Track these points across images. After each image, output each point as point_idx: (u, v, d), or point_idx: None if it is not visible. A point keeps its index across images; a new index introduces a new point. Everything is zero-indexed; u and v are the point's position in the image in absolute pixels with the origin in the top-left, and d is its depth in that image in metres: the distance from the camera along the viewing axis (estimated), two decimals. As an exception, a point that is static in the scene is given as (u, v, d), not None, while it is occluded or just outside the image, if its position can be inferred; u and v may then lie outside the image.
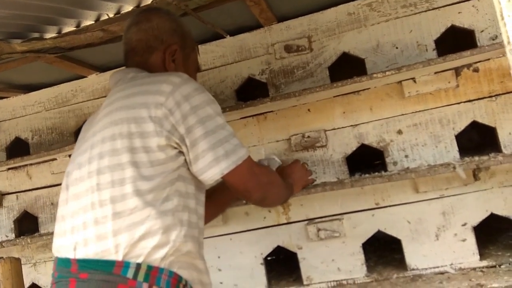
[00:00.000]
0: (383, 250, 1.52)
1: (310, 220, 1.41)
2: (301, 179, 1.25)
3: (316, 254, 1.39)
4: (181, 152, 0.90)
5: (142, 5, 1.27)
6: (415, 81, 1.32)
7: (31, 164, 1.68)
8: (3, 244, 1.53)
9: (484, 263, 1.26)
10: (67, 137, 1.66)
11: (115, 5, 1.26)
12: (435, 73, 1.30)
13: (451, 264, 1.29)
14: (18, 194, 1.70)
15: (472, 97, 1.30)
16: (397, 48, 1.37)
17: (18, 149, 1.71)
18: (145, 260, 0.84)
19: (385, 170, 1.35)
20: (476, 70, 1.30)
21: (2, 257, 1.19)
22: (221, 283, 1.47)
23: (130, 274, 0.84)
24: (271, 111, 1.46)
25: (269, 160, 1.31)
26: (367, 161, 1.51)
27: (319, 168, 1.41)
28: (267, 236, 1.44)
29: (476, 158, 1.21)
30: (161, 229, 0.85)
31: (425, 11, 1.35)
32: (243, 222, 1.46)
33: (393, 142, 1.36)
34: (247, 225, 1.46)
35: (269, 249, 1.44)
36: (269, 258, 1.53)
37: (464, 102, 1.31)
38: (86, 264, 0.86)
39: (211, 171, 0.89)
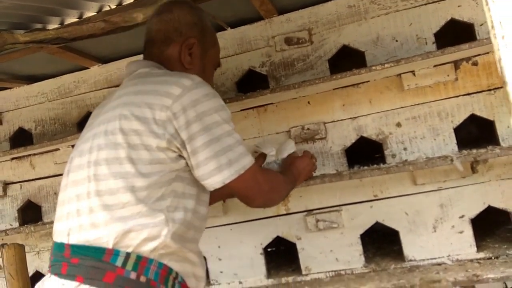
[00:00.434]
0: (381, 242, 1.53)
1: (309, 211, 1.42)
2: (307, 172, 1.29)
3: (315, 245, 1.41)
4: (181, 156, 0.91)
5: (143, -4, 1.28)
6: (414, 74, 1.33)
7: (34, 154, 1.70)
8: (7, 232, 1.55)
9: (481, 255, 1.28)
10: (69, 127, 1.68)
11: (117, -4, 1.27)
12: (434, 66, 1.31)
13: (448, 255, 1.30)
14: (22, 183, 1.72)
15: (471, 91, 1.31)
16: (396, 41, 1.37)
17: (22, 139, 1.73)
18: (134, 250, 0.86)
19: (384, 163, 1.36)
20: (475, 64, 1.30)
21: (6, 244, 1.22)
22: (221, 272, 1.49)
23: (119, 262, 0.86)
24: (271, 103, 1.47)
25: (282, 149, 1.32)
26: (366, 154, 1.52)
27: (319, 160, 1.42)
28: (267, 227, 1.45)
29: (474, 151, 1.22)
30: (151, 225, 0.87)
31: (425, 4, 1.35)
32: (243, 212, 1.48)
33: (392, 134, 1.37)
34: (247, 216, 1.48)
35: (268, 240, 1.46)
36: (269, 250, 1.55)
37: (463, 95, 1.32)
38: (78, 250, 0.88)
39: (213, 179, 0.91)
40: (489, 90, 1.30)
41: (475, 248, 1.29)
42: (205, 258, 1.50)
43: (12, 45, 1.35)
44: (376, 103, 1.39)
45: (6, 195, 1.73)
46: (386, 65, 1.20)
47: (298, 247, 1.43)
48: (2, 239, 1.69)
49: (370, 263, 1.37)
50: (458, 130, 1.33)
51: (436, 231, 1.32)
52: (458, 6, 1.33)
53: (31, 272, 1.64)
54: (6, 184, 1.73)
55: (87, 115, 1.66)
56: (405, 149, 1.36)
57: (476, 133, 1.44)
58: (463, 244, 1.29)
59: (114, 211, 0.87)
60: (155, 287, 0.86)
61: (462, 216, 1.30)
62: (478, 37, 1.30)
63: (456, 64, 1.31)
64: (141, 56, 1.58)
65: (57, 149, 1.64)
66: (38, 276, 1.66)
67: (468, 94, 1.32)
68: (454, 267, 1.25)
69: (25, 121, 1.73)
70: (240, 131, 1.52)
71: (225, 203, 1.48)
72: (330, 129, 1.42)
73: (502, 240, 1.33)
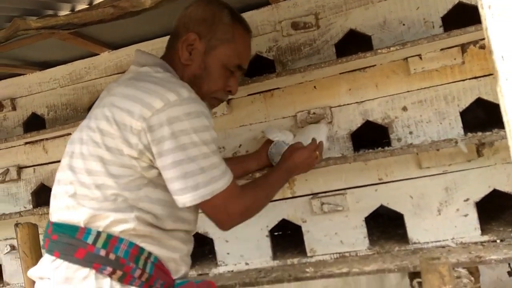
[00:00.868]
0: (386, 226, 1.55)
1: (315, 195, 1.44)
2: (306, 166, 1.22)
3: (320, 227, 1.43)
4: (154, 167, 0.94)
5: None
6: (421, 58, 1.33)
7: (46, 139, 1.75)
8: (21, 213, 1.61)
9: (485, 238, 1.29)
10: (81, 112, 1.72)
11: (125, -18, 1.29)
12: (441, 49, 1.31)
13: (453, 238, 1.31)
14: (35, 167, 1.77)
15: (477, 74, 1.30)
16: (404, 25, 1.37)
17: (35, 124, 1.77)
18: (105, 230, 0.92)
19: (389, 147, 1.37)
20: (482, 47, 1.30)
21: (20, 223, 1.26)
22: (228, 253, 1.52)
23: (90, 240, 0.92)
24: (278, 88, 1.49)
25: (277, 146, 1.34)
26: (372, 138, 1.53)
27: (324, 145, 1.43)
28: (273, 210, 1.48)
29: (479, 133, 1.22)
30: (118, 220, 0.93)
31: (433, -13, 1.35)
32: (249, 196, 1.50)
33: (398, 118, 1.38)
34: (253, 199, 1.50)
35: (274, 222, 1.48)
36: (275, 234, 1.58)
37: (470, 79, 1.31)
38: (57, 228, 0.97)
39: (178, 198, 0.93)
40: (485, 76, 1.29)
41: (480, 231, 1.29)
42: (212, 240, 1.54)
43: (24, 31, 1.38)
44: (383, 87, 1.39)
45: (20, 178, 1.79)
46: (392, 48, 1.21)
47: (304, 229, 1.45)
48: (17, 220, 1.75)
49: (374, 246, 1.39)
50: (464, 114, 1.33)
51: (441, 214, 1.33)
52: (466, -12, 1.32)
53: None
54: (20, 168, 1.79)
55: (98, 101, 1.71)
56: (410, 133, 1.36)
57: (482, 117, 1.44)
58: (468, 227, 1.30)
59: (87, 201, 0.94)
60: (124, 264, 0.91)
61: (467, 200, 1.31)
62: (485, 20, 1.29)
63: (463, 47, 1.31)
64: (150, 42, 1.62)
65: (69, 134, 1.68)
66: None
67: (475, 77, 1.31)
68: (458, 249, 1.27)
69: (38, 107, 1.78)
70: (246, 116, 1.55)
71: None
72: (336, 113, 1.44)
73: (507, 224, 1.33)
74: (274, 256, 1.49)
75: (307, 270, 1.31)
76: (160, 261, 0.96)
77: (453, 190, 1.32)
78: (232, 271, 1.50)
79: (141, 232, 0.94)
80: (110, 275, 0.90)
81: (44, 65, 1.78)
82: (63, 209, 0.97)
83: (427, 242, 1.33)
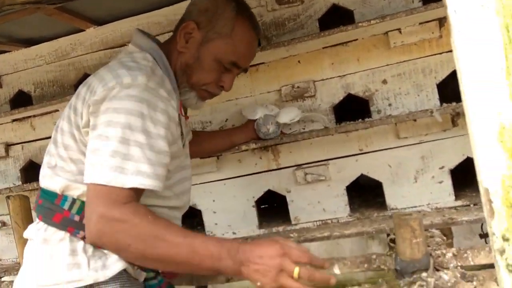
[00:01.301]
0: (367, 195, 1.62)
1: (299, 166, 1.50)
2: (256, 274, 0.83)
3: (304, 197, 1.49)
4: None
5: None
6: (400, 32, 1.37)
7: (34, 116, 1.76)
8: (11, 189, 1.63)
9: (459, 202, 1.37)
10: (67, 89, 1.73)
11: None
12: (420, 23, 1.35)
13: (428, 204, 1.39)
14: (23, 144, 1.79)
15: (453, 47, 1.36)
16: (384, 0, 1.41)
17: (21, 102, 1.78)
18: (79, 198, 0.99)
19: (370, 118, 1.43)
20: (458, 21, 1.35)
21: (11, 195, 1.29)
22: (216, 224, 1.58)
23: (66, 206, 1.00)
24: (263, 63, 1.52)
25: (264, 118, 1.39)
26: (354, 111, 1.58)
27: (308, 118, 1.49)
28: (259, 181, 1.53)
29: (453, 103, 1.29)
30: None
31: (412, -38, 1.38)
32: (236, 168, 1.55)
33: (378, 91, 1.43)
34: (239, 171, 1.55)
35: (260, 193, 1.54)
36: (262, 207, 1.64)
37: (447, 52, 1.37)
38: (42, 193, 1.04)
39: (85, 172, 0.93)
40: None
41: (454, 197, 1.37)
42: (200, 211, 1.60)
43: (10, 6, 1.38)
44: (364, 61, 1.44)
45: (8, 155, 1.80)
46: (372, 22, 1.25)
47: (288, 199, 1.51)
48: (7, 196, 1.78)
49: (355, 213, 1.46)
50: (442, 87, 1.39)
51: (417, 181, 1.40)
52: (444, -36, 1.36)
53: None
54: (8, 146, 1.80)
55: (84, 77, 1.71)
56: (390, 105, 1.42)
57: (459, 90, 1.50)
58: (442, 193, 1.38)
59: (62, 173, 1.01)
60: None
61: (442, 167, 1.38)
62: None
63: (441, 21, 1.36)
64: (136, 18, 1.64)
65: (56, 110, 1.70)
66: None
67: (451, 51, 1.36)
68: (433, 213, 1.34)
69: (24, 84, 1.78)
70: (232, 91, 1.57)
71: (218, 159, 1.55)
72: (319, 87, 1.48)
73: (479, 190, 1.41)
74: (260, 225, 1.55)
75: (291, 235, 1.37)
76: None
77: (429, 159, 1.39)
78: (220, 240, 1.56)
79: None
80: (83, 238, 0.97)
81: (29, 42, 1.77)
82: (46, 177, 1.04)
83: (404, 208, 1.40)
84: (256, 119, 1.41)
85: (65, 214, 0.98)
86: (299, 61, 1.49)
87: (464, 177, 1.47)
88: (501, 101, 0.51)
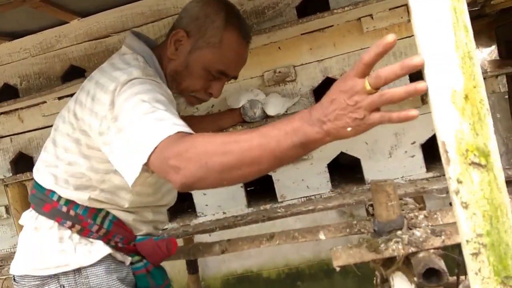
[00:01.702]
0: (347, 173, 1.73)
1: (283, 146, 1.59)
2: (334, 126, 0.73)
3: (288, 176, 1.59)
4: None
5: None
6: (372, 18, 1.48)
7: (21, 108, 1.78)
8: (4, 180, 1.66)
9: (430, 174, 1.49)
10: (54, 81, 1.76)
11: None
12: (390, 9, 1.46)
13: (402, 176, 1.51)
14: (12, 137, 1.81)
15: (421, 31, 1.47)
16: (357, -13, 1.51)
17: (8, 95, 1.80)
18: (64, 197, 1.07)
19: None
20: (425, 6, 1.46)
21: (10, 183, 1.34)
22: (206, 205, 1.66)
23: (55, 197, 1.07)
24: (245, 50, 1.60)
25: (251, 102, 1.47)
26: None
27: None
28: (245, 163, 1.62)
29: (422, 83, 1.40)
30: (77, 194, 1.07)
31: (382, -49, 1.48)
32: (223, 151, 1.63)
33: (354, 74, 1.53)
34: (227, 154, 1.63)
35: (247, 174, 1.62)
36: (249, 189, 1.73)
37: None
38: (35, 184, 1.13)
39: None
40: (437, 30, 1.46)
41: (425, 169, 1.50)
42: (191, 194, 1.67)
43: (-6, -1, 1.40)
44: (340, 46, 1.54)
45: (-2, 148, 1.83)
46: (346, 8, 1.34)
47: (274, 178, 1.61)
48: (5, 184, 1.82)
49: (336, 188, 1.57)
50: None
51: (392, 156, 1.52)
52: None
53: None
54: (-3, 138, 1.82)
55: (70, 69, 1.75)
56: (365, 86, 1.53)
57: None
58: (415, 166, 1.50)
59: (54, 170, 1.08)
60: (82, 220, 1.05)
61: (414, 143, 1.50)
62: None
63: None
64: (119, 9, 1.68)
65: (44, 102, 1.73)
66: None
67: (419, 34, 1.48)
68: (406, 184, 1.47)
69: (10, 77, 1.80)
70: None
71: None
72: (299, 71, 1.57)
73: (447, 162, 1.54)
74: (249, 205, 1.64)
75: (279, 210, 1.47)
76: (119, 219, 1.09)
77: (402, 135, 1.51)
78: (211, 220, 1.65)
79: (97, 204, 1.08)
80: (70, 228, 1.05)
81: (12, 35, 1.78)
82: (39, 172, 1.12)
83: (380, 181, 1.52)
84: (242, 105, 1.49)
85: (54, 205, 1.06)
86: (279, 48, 1.58)
87: (433, 151, 1.60)
88: (452, 70, 0.61)
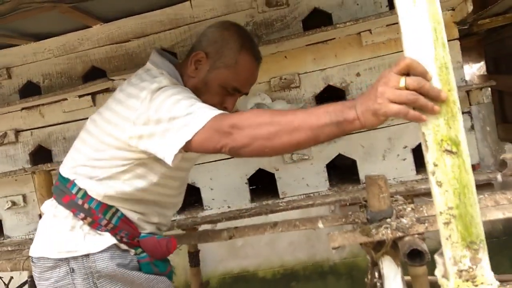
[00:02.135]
0: (344, 174, 1.87)
1: (285, 147, 1.73)
2: (367, 102, 0.81)
3: (290, 174, 1.73)
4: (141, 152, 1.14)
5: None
6: (371, 32, 1.63)
7: (43, 105, 1.92)
8: (26, 169, 1.79)
9: (419, 176, 1.64)
10: (75, 80, 1.90)
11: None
12: (387, 25, 1.61)
13: (394, 178, 1.65)
14: (32, 130, 1.94)
15: (415, 46, 1.62)
16: (357, 4, 1.66)
17: (30, 91, 1.93)
18: (84, 188, 1.19)
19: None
20: (418, 24, 1.61)
21: (36, 171, 1.47)
22: (213, 199, 1.79)
23: (74, 190, 1.20)
24: (254, 58, 1.74)
25: (258, 105, 1.61)
26: (333, 101, 1.83)
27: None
28: (251, 161, 1.75)
29: (414, 93, 1.55)
30: (96, 190, 1.18)
31: (381, -27, 1.64)
32: (230, 150, 1.77)
33: (353, 83, 1.68)
34: (233, 152, 1.77)
35: (252, 171, 1.76)
36: (251, 188, 1.86)
37: (409, 50, 1.63)
38: (59, 176, 1.25)
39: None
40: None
41: (415, 172, 1.64)
42: (198, 188, 1.80)
43: (27, 4, 1.55)
44: (341, 57, 1.69)
45: (18, 141, 1.95)
46: (347, 23, 1.50)
47: (276, 176, 1.74)
48: (16, 179, 1.94)
49: (334, 187, 1.71)
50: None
51: (385, 159, 1.66)
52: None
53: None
54: (18, 132, 1.95)
55: (92, 69, 1.89)
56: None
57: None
58: (406, 169, 1.65)
59: (79, 168, 1.20)
60: (94, 214, 1.18)
61: (405, 147, 1.65)
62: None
63: (404, 24, 1.62)
64: (139, 16, 1.82)
65: (65, 99, 1.86)
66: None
67: (413, 49, 1.63)
68: (398, 185, 1.61)
69: (33, 75, 1.93)
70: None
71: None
72: (303, 79, 1.72)
73: (436, 166, 1.68)
74: (252, 200, 1.77)
75: (280, 204, 1.60)
76: (126, 217, 1.22)
77: (395, 140, 1.65)
78: (217, 213, 1.78)
79: (109, 203, 1.20)
80: (82, 219, 1.18)
81: (38, 37, 1.92)
82: (66, 168, 1.24)
83: (375, 182, 1.66)
84: (250, 108, 1.63)
85: (72, 197, 1.19)
86: (285, 57, 1.73)
87: (423, 155, 1.74)
88: (429, 64, 0.75)
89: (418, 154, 1.66)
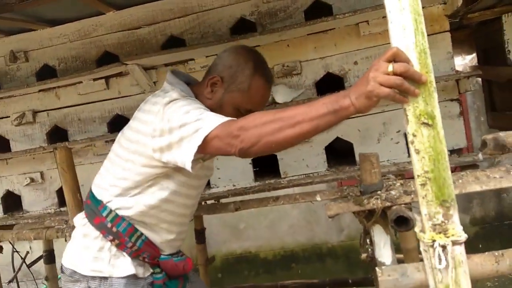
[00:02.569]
0: (341, 157, 2.00)
1: (287, 130, 1.85)
2: (359, 88, 0.93)
3: (291, 155, 1.85)
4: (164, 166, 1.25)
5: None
6: (368, 23, 1.74)
7: (59, 87, 2.03)
8: (44, 147, 1.91)
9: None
10: (89, 64, 2.01)
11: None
12: (383, 17, 1.71)
13: (388, 160, 1.78)
14: (49, 111, 2.06)
15: (409, 36, 1.73)
16: (356, -4, 1.77)
17: (46, 74, 2.04)
18: (115, 210, 1.30)
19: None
20: (413, 16, 1.72)
21: (57, 147, 1.59)
22: (219, 178, 1.92)
23: (104, 213, 1.30)
24: (258, 46, 1.85)
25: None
26: (332, 87, 1.95)
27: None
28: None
29: (407, 80, 1.67)
30: (125, 208, 1.30)
31: (379, -32, 1.74)
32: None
33: (351, 70, 1.80)
34: (238, 134, 1.89)
35: (255, 152, 1.89)
36: (254, 170, 1.99)
37: (404, 40, 1.74)
38: (91, 195, 1.35)
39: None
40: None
41: (407, 154, 1.76)
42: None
43: (47, -9, 1.65)
44: (340, 46, 1.80)
45: (35, 121, 2.07)
46: (346, 15, 1.61)
47: (278, 157, 1.87)
48: (34, 157, 2.06)
49: (332, 168, 1.84)
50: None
51: (380, 142, 1.78)
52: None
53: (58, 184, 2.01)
54: (35, 112, 2.07)
55: (105, 54, 2.00)
56: (360, 81, 1.79)
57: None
58: (399, 151, 1.77)
59: (110, 187, 1.31)
60: (121, 237, 1.30)
61: (399, 131, 1.77)
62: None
63: (400, 16, 1.73)
64: (150, 4, 1.92)
65: (80, 82, 1.98)
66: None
67: (408, 39, 1.74)
68: (391, 166, 1.73)
69: (50, 59, 2.04)
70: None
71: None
72: (304, 66, 1.83)
73: (427, 150, 1.81)
74: (256, 179, 1.90)
75: (282, 182, 1.73)
76: (149, 240, 1.34)
77: (389, 124, 1.77)
78: (223, 190, 1.91)
79: (137, 219, 1.31)
80: (111, 241, 1.30)
81: (53, 22, 2.03)
82: (97, 185, 1.35)
83: (369, 163, 1.79)
84: None
85: (102, 220, 1.30)
86: (288, 45, 1.84)
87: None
88: (412, 61, 0.87)
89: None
